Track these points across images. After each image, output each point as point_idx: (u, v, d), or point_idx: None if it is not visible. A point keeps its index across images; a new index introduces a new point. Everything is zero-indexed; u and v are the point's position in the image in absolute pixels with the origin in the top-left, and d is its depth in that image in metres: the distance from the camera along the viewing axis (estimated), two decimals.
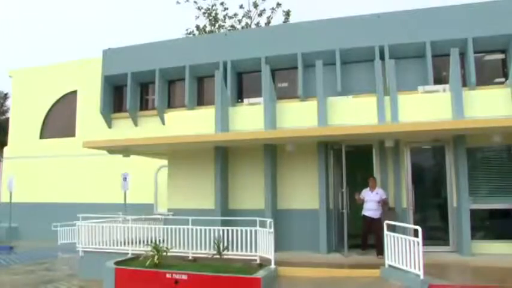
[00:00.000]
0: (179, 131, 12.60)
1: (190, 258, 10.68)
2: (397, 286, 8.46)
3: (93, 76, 19.15)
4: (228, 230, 10.54)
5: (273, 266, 9.57)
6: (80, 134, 19.43)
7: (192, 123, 12.93)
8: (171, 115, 13.80)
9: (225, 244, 10.30)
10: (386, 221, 9.58)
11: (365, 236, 11.23)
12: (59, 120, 21.04)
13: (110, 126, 19.00)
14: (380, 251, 10.21)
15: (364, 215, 10.92)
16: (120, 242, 11.58)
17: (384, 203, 10.79)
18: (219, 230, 10.64)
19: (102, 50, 19.06)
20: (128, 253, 11.19)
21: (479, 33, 14.66)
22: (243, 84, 17.59)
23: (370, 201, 10.76)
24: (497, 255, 10.59)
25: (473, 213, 10.95)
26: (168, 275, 9.26)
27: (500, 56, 15.45)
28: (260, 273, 9.00)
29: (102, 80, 18.80)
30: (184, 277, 9.14)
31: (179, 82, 18.25)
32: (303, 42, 16.07)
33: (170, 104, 18.62)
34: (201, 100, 18.05)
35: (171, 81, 18.62)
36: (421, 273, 8.21)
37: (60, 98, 21.14)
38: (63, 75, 20.83)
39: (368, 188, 10.94)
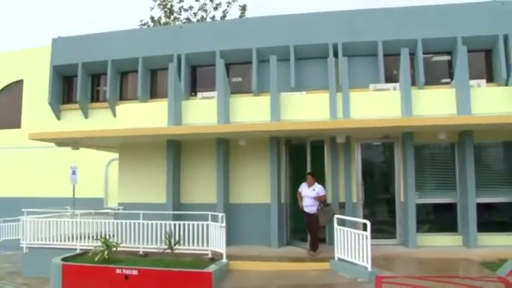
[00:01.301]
0: (131, 124, 12.37)
1: (141, 253, 10.57)
2: (346, 278, 8.67)
3: (41, 65, 18.42)
4: (179, 225, 10.49)
5: (224, 260, 9.59)
6: (26, 126, 18.67)
7: (145, 116, 12.72)
8: (122, 107, 13.52)
9: (177, 239, 10.24)
10: (337, 215, 9.81)
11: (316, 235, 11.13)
12: (3, 110, 20.13)
13: (58, 117, 18.38)
14: (313, 247, 10.57)
15: (304, 211, 10.87)
16: (68, 238, 11.30)
17: (320, 200, 10.57)
18: (170, 225, 10.57)
19: (52, 39, 18.39)
20: (76, 249, 10.95)
21: (428, 35, 15.15)
22: (197, 78, 17.43)
23: (306, 197, 10.66)
24: (440, 247, 11.11)
25: (419, 207, 11.39)
26: (118, 271, 9.11)
27: (447, 58, 16.02)
28: (211, 268, 9.02)
29: (50, 70, 18.14)
30: (135, 272, 9.02)
31: (132, 74, 17.87)
32: (257, 37, 16.10)
33: (122, 96, 18.20)
34: (154, 93, 17.74)
35: (123, 72, 18.19)
36: (369, 265, 8.47)
37: (4, 88, 20.23)
38: (8, 64, 19.88)
39: (306, 184, 10.87)
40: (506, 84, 13.21)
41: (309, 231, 10.84)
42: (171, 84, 12.56)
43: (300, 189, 10.93)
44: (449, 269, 9.00)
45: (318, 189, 10.64)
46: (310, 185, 10.71)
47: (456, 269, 9.11)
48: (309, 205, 10.61)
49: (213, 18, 29.86)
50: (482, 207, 11.28)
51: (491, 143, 11.90)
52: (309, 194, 10.63)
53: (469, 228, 10.99)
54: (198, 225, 10.28)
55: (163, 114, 12.35)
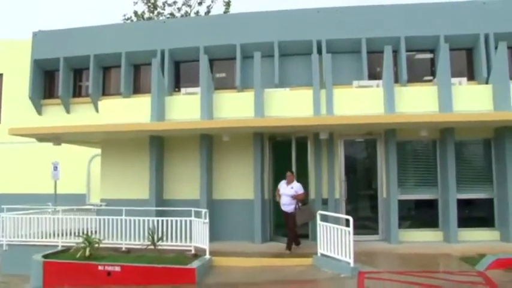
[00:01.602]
0: (114, 119, 12.28)
1: (123, 249, 10.51)
2: (329, 274, 8.72)
3: (22, 59, 18.10)
4: (162, 221, 10.45)
5: (207, 256, 9.59)
6: (6, 121, 18.34)
7: (127, 111, 12.62)
8: (105, 103, 13.40)
9: (160, 235, 10.19)
10: (320, 211, 9.86)
11: (294, 232, 10.96)
12: None
13: (39, 112, 18.09)
14: (289, 246, 10.49)
15: (282, 210, 10.77)
16: (50, 234, 11.17)
17: (298, 199, 10.44)
18: (153, 221, 10.53)
19: (32, 32, 18.09)
20: (57, 246, 10.82)
21: (411, 33, 15.26)
22: (181, 73, 17.31)
23: (284, 195, 10.54)
24: (422, 242, 11.27)
25: (401, 203, 11.52)
26: (100, 267, 9.05)
27: (429, 56, 16.17)
28: (194, 264, 9.01)
29: (31, 64, 17.84)
30: (117, 269, 8.98)
31: (115, 69, 17.66)
32: (242, 33, 16.05)
33: (105, 91, 17.98)
34: (137, 88, 17.57)
35: (106, 67, 17.98)
36: (351, 261, 8.55)
37: None
38: None
39: (284, 182, 10.73)
40: (487, 83, 13.39)
41: (290, 230, 10.70)
42: (155, 79, 12.48)
43: (278, 187, 10.86)
44: (430, 264, 9.13)
45: (296, 187, 10.52)
46: (289, 183, 10.59)
47: (437, 264, 9.25)
48: (286, 203, 10.51)
49: (197, 13, 29.69)
50: (462, 203, 11.45)
51: (472, 140, 12.08)
52: (287, 192, 10.53)
53: (450, 224, 11.15)
54: (181, 221, 10.25)
55: (146, 110, 12.27)
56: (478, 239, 11.26)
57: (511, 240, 10.91)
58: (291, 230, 10.54)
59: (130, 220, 10.60)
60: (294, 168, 11.53)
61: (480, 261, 8.89)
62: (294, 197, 10.39)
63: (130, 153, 12.72)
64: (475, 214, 11.96)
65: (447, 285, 7.50)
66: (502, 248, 10.23)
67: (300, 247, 10.75)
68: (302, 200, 10.52)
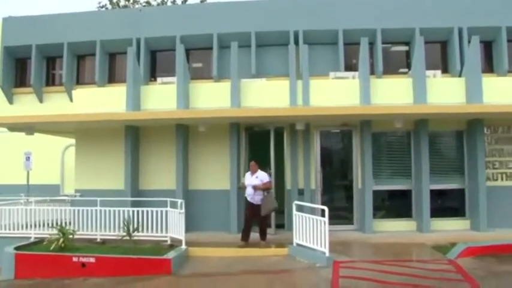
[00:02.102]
0: (88, 109, 12.09)
1: (98, 240, 10.42)
2: (304, 263, 8.80)
3: None
4: (138, 211, 10.38)
5: (183, 246, 9.57)
6: None
7: (102, 100, 12.44)
8: (79, 92, 13.17)
9: (135, 225, 10.11)
10: (296, 202, 9.93)
11: (248, 225, 10.44)
12: None
13: (11, 101, 17.67)
14: (262, 236, 10.36)
15: (246, 200, 10.45)
16: (22, 226, 10.96)
17: (265, 187, 10.16)
18: (129, 211, 10.44)
19: (2, 18, 17.62)
20: (30, 237, 10.64)
21: (387, 25, 15.39)
22: (157, 63, 17.11)
23: (250, 186, 10.24)
24: (396, 232, 11.45)
25: (376, 194, 11.69)
26: (74, 259, 8.94)
27: (405, 48, 16.35)
28: (170, 254, 8.98)
29: (1, 51, 17.38)
30: (92, 260, 8.88)
31: (89, 57, 17.34)
32: (219, 23, 15.93)
33: (79, 80, 17.65)
34: (112, 77, 17.29)
35: (80, 56, 17.63)
36: (326, 250, 8.64)
37: None
38: None
39: (249, 173, 10.51)
40: (460, 76, 13.62)
41: (246, 221, 10.45)
42: (130, 68, 12.31)
43: (242, 180, 10.66)
44: (403, 253, 9.30)
45: (261, 176, 10.29)
46: (253, 173, 10.37)
47: (410, 253, 9.43)
48: (252, 194, 10.24)
49: (173, 2, 29.36)
50: (435, 194, 11.69)
51: (445, 131, 12.29)
52: (253, 182, 10.25)
53: (423, 213, 11.37)
54: (157, 211, 10.19)
55: (122, 99, 12.10)
56: (449, 228, 11.55)
57: (481, 229, 11.19)
58: (263, 220, 10.38)
59: (105, 211, 10.49)
60: (271, 159, 11.59)
61: (451, 250, 9.11)
62: (260, 186, 10.11)
63: (105, 143, 12.55)
64: (447, 204, 12.21)
65: (419, 273, 7.65)
66: (472, 237, 10.52)
67: (265, 242, 10.32)
68: (268, 189, 10.25)
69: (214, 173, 12.16)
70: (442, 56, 16.00)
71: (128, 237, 9.91)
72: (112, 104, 12.15)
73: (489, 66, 15.69)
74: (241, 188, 10.56)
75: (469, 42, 12.82)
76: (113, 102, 12.21)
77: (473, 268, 7.98)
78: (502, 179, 11.88)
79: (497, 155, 11.95)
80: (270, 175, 11.43)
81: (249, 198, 10.31)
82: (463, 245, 9.16)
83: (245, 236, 10.29)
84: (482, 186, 11.41)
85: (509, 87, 11.73)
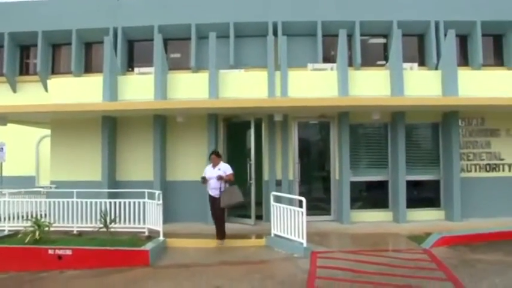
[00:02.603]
0: (64, 99, 11.91)
1: (75, 232, 10.29)
2: (282, 254, 8.85)
3: None
4: (115, 203, 10.27)
5: (161, 237, 9.52)
6: None
7: (78, 91, 12.23)
8: (55, 81, 12.92)
9: (112, 217, 10.02)
10: (273, 192, 9.96)
11: (220, 221, 9.84)
12: None
13: None
14: (219, 234, 9.68)
15: (209, 195, 9.88)
16: None
17: (226, 179, 9.57)
18: (106, 203, 10.32)
19: None
20: (4, 230, 10.43)
21: (366, 18, 15.51)
22: (134, 53, 16.90)
23: (212, 179, 9.64)
24: (372, 222, 11.62)
25: (353, 185, 11.82)
26: (50, 251, 8.79)
27: (383, 41, 16.50)
28: (148, 246, 8.92)
29: None
30: (69, 252, 8.75)
31: (65, 47, 17.03)
32: (197, 13, 15.81)
33: (54, 70, 17.33)
34: (88, 67, 17.03)
35: (55, 45, 17.29)
36: (304, 241, 8.69)
37: None
38: None
39: (210, 165, 9.94)
40: (436, 69, 13.81)
41: (214, 217, 9.89)
42: (107, 58, 12.14)
43: (203, 173, 9.92)
44: (380, 243, 9.43)
45: (224, 168, 9.74)
46: (215, 165, 9.81)
47: (386, 243, 9.56)
48: (215, 187, 9.64)
49: None
50: (411, 185, 11.88)
51: (421, 123, 12.45)
52: (215, 175, 9.63)
53: (399, 204, 11.55)
54: (134, 203, 10.11)
55: (98, 90, 11.95)
56: (425, 218, 11.76)
57: (454, 220, 11.44)
58: (221, 215, 9.68)
59: (82, 202, 10.35)
60: (252, 150, 11.59)
61: (426, 240, 9.27)
62: (221, 177, 9.51)
63: (81, 134, 12.38)
64: (423, 195, 12.40)
65: (395, 262, 7.78)
66: (446, 227, 10.74)
67: (224, 242, 9.73)
68: (231, 181, 9.67)
69: (193, 164, 12.11)
70: (419, 49, 16.22)
71: (105, 229, 9.82)
72: (88, 94, 11.99)
73: (464, 59, 15.97)
74: (204, 183, 9.78)
75: (445, 35, 12.99)
76: (90, 92, 12.05)
77: (447, 257, 8.15)
78: (475, 171, 12.14)
79: (471, 146, 12.19)
80: (250, 166, 11.48)
81: (211, 193, 9.76)
82: (437, 235, 9.33)
83: (221, 234, 9.73)
84: (456, 177, 11.64)
85: (484, 81, 11.96)
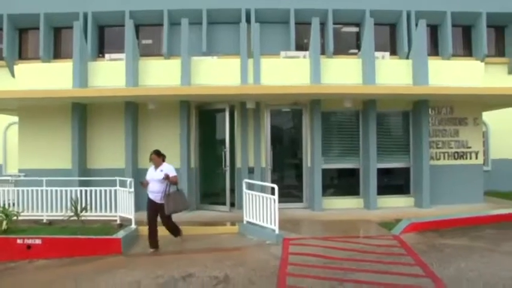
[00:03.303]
0: (32, 85, 11.62)
1: (45, 221, 10.12)
2: (254, 241, 8.90)
3: None
4: (86, 191, 10.14)
5: (133, 225, 9.46)
6: None
7: (47, 77, 11.96)
8: (22, 67, 12.57)
9: (83, 205, 9.89)
10: (246, 180, 9.97)
11: (152, 228, 8.66)
12: None
13: None
14: (176, 233, 8.97)
15: (149, 199, 8.70)
16: None
17: (170, 182, 8.47)
18: (76, 191, 10.17)
19: None
20: None
21: (339, 6, 15.57)
22: (105, 39, 16.55)
23: (153, 181, 8.56)
24: (344, 209, 11.77)
25: (325, 172, 11.93)
26: (19, 241, 8.62)
27: (355, 29, 16.61)
28: (120, 234, 8.86)
29: None
30: (38, 242, 8.60)
31: (33, 31, 16.54)
32: None
33: (22, 55, 16.84)
34: (57, 53, 16.61)
35: (22, 29, 16.79)
36: (276, 228, 8.76)
37: None
38: None
39: (153, 167, 8.80)
40: (407, 58, 14.00)
41: (152, 223, 8.64)
42: (76, 44, 11.87)
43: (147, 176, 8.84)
44: (351, 230, 9.56)
45: (166, 169, 8.59)
46: (157, 166, 8.71)
47: (357, 229, 9.68)
48: (155, 191, 8.52)
49: None
50: (382, 172, 12.08)
51: (392, 112, 12.62)
52: (156, 177, 8.54)
53: (370, 191, 11.74)
54: (105, 191, 10.00)
55: (68, 76, 11.71)
56: (395, 205, 11.99)
57: (423, 206, 11.71)
58: (168, 220, 8.72)
59: (51, 191, 10.17)
60: (226, 137, 11.57)
61: (396, 226, 9.46)
62: (167, 177, 8.40)
63: (50, 121, 12.11)
64: (393, 182, 12.63)
65: (365, 248, 7.92)
66: (415, 213, 10.97)
67: (182, 237, 9.01)
68: (175, 184, 8.60)
69: (165, 151, 11.87)
70: (390, 38, 16.40)
71: (75, 218, 9.68)
72: (58, 81, 11.75)
73: (435, 49, 16.24)
74: (144, 186, 8.76)
75: (416, 25, 13.16)
76: (59, 78, 11.80)
77: (416, 243, 8.34)
78: (444, 158, 12.41)
79: (440, 135, 12.46)
80: (224, 153, 11.46)
81: (151, 196, 8.61)
82: (406, 221, 9.52)
83: (153, 242, 8.60)
84: (426, 165, 11.88)
85: (453, 70, 12.21)
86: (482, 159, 12.85)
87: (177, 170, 11.49)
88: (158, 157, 8.73)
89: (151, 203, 8.62)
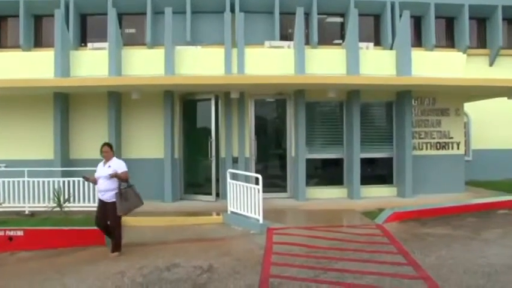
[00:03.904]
0: (12, 74, 11.40)
1: (27, 213, 10.01)
2: (239, 231, 8.92)
3: None
4: (69, 181, 10.05)
5: None
6: None
7: (28, 66, 11.75)
8: (1, 56, 12.34)
9: (66, 196, 9.80)
10: (230, 170, 9.97)
11: (107, 229, 7.75)
12: None
13: None
14: (116, 247, 7.57)
15: (99, 199, 7.78)
16: None
17: (119, 178, 7.52)
18: (59, 182, 10.07)
19: None
20: None
21: None
22: (87, 27, 16.29)
23: (102, 179, 7.58)
24: (327, 199, 11.88)
25: (309, 162, 11.99)
26: (0, 232, 8.52)
27: (340, 20, 16.61)
28: None
29: None
30: (20, 233, 8.50)
31: (12, 19, 16.19)
32: None
33: (1, 44, 16.49)
34: (38, 41, 16.30)
35: (2, 17, 16.42)
36: (260, 217, 8.78)
37: None
38: None
39: (102, 162, 7.81)
40: (391, 48, 14.06)
41: (105, 225, 7.69)
42: (58, 32, 11.68)
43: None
44: (334, 219, 9.66)
45: (115, 165, 7.64)
46: (106, 161, 7.72)
47: (341, 219, 9.79)
48: (104, 189, 7.58)
49: None
50: (365, 162, 12.17)
51: (376, 102, 12.72)
52: (105, 173, 7.55)
53: (353, 181, 11.83)
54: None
55: (50, 65, 11.52)
56: (378, 195, 12.12)
57: (406, 196, 11.85)
58: (118, 223, 7.63)
59: (33, 182, 10.07)
60: (212, 127, 11.54)
61: (379, 215, 9.57)
62: (116, 174, 7.46)
63: (31, 111, 11.95)
64: (376, 172, 12.75)
65: (348, 237, 8.00)
66: (398, 203, 11.11)
67: (121, 254, 7.57)
68: (126, 181, 7.65)
69: (148, 141, 11.98)
70: (375, 29, 16.44)
71: (58, 209, 9.61)
72: (39, 70, 11.56)
73: (418, 40, 16.33)
74: (94, 182, 7.91)
75: (400, 16, 13.21)
76: (40, 67, 11.62)
77: (398, 232, 8.44)
78: (426, 149, 12.56)
79: (423, 125, 12.59)
80: (211, 143, 11.44)
81: (101, 196, 7.68)
82: (389, 211, 9.64)
83: (116, 245, 7.63)
84: (408, 155, 12.01)
85: (436, 61, 12.32)
86: (464, 150, 13.03)
87: (160, 160, 11.58)
88: (109, 151, 7.71)
89: (101, 204, 7.65)
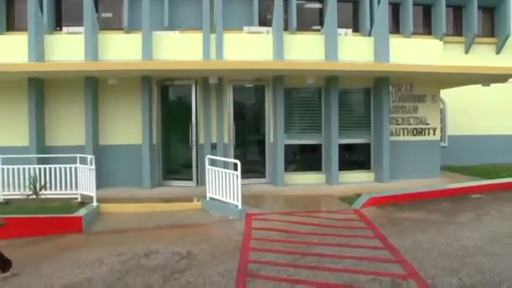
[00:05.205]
0: None
1: (1, 201, 9.83)
2: (218, 217, 8.94)
3: None
4: (45, 168, 9.87)
5: (95, 203, 9.31)
6: None
7: (0, 50, 11.46)
8: None
9: (42, 183, 9.65)
10: (208, 156, 9.96)
11: None
12: None
13: None
14: (3, 266, 5.94)
15: None
16: None
17: None
18: (35, 169, 9.90)
19: None
20: None
21: None
22: (62, 11, 15.92)
23: None
24: (306, 184, 11.96)
25: (287, 148, 12.06)
26: None
27: (318, 6, 16.59)
28: (81, 212, 8.70)
29: None
30: None
31: None
32: None
33: None
34: (11, 25, 15.85)
35: None
36: (239, 203, 8.81)
37: None
38: None
39: None
40: (369, 35, 14.13)
41: None
42: (31, 15, 11.40)
43: None
44: (313, 205, 9.76)
45: None
46: None
47: (319, 204, 9.90)
48: None
49: None
50: (343, 148, 12.29)
51: (354, 88, 12.79)
52: None
53: (332, 167, 11.94)
54: (65, 168, 9.77)
55: (23, 50, 11.26)
56: (356, 180, 12.25)
57: (383, 181, 12.03)
58: None
59: (8, 169, 9.86)
60: (192, 113, 11.53)
61: (356, 200, 9.69)
62: None
63: (5, 97, 11.69)
64: (354, 158, 12.88)
65: (326, 222, 8.09)
66: (375, 188, 11.26)
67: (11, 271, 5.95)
68: None
69: (126, 127, 11.84)
70: (353, 16, 16.47)
71: (35, 196, 9.47)
72: (12, 54, 11.29)
73: (396, 27, 16.44)
74: None
75: (379, 3, 13.25)
76: (13, 52, 11.34)
77: (375, 216, 8.58)
78: (403, 134, 12.73)
79: (400, 111, 12.73)
80: (191, 129, 11.40)
81: None
82: (367, 196, 9.76)
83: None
84: (386, 140, 12.16)
85: (414, 48, 12.44)
86: (440, 136, 13.24)
87: (138, 146, 11.53)
88: None
89: None
